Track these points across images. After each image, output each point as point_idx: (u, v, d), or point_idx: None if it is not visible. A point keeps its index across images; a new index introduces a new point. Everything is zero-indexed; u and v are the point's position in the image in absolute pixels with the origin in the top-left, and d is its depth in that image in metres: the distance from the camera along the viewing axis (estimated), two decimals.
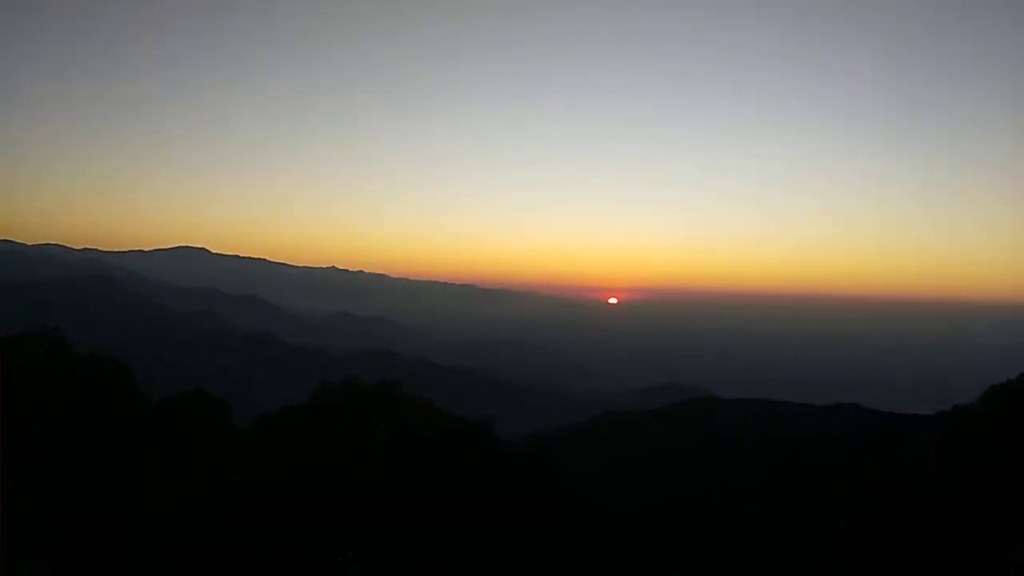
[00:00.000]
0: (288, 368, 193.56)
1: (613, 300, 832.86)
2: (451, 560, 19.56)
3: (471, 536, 21.18)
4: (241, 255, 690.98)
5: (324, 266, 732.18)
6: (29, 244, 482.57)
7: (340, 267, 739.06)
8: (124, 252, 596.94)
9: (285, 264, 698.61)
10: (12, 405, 20.31)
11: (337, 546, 17.71)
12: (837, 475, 46.15)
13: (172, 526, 15.73)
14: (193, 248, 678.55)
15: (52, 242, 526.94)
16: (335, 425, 25.25)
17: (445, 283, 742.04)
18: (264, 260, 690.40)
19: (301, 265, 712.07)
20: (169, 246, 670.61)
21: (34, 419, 19.81)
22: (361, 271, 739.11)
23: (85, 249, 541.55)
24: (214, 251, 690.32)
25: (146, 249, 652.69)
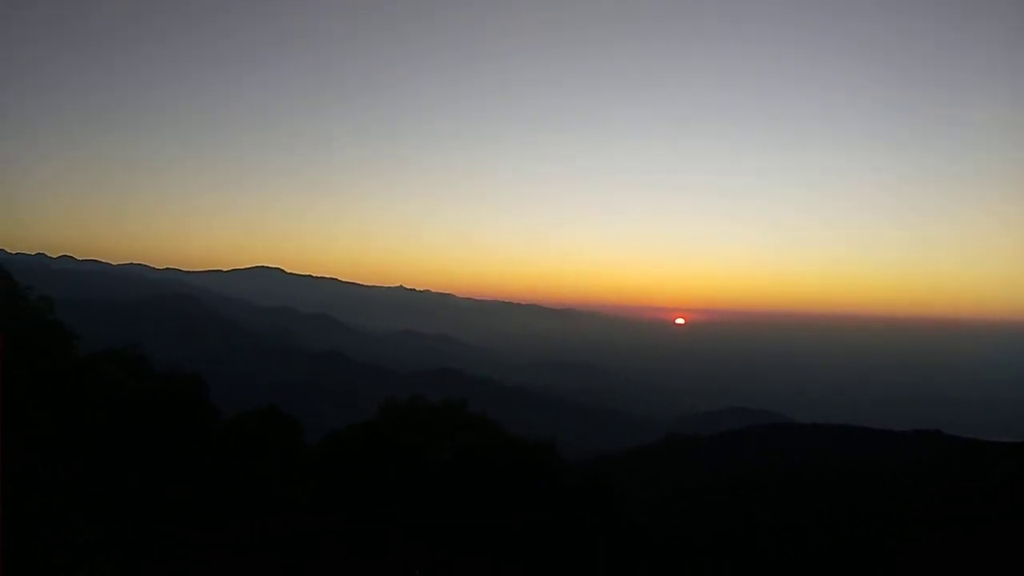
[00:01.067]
0: (356, 384, 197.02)
1: (680, 320, 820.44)
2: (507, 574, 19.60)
3: (528, 554, 21.18)
4: (314, 275, 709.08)
5: (393, 285, 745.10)
6: (114, 264, 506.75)
7: (408, 287, 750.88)
8: (204, 272, 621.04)
9: (355, 283, 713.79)
10: (90, 419, 21.39)
11: (399, 559, 17.98)
12: (920, 504, 44.25)
13: (232, 534, 16.27)
14: (269, 268, 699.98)
15: (136, 262, 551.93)
16: (400, 441, 25.66)
17: (510, 303, 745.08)
18: (335, 280, 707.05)
19: (371, 284, 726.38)
20: (246, 266, 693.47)
21: (109, 432, 20.80)
22: (428, 290, 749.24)
23: (167, 269, 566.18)
24: (289, 271, 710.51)
25: (224, 269, 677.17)
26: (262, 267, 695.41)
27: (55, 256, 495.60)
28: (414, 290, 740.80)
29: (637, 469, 78.36)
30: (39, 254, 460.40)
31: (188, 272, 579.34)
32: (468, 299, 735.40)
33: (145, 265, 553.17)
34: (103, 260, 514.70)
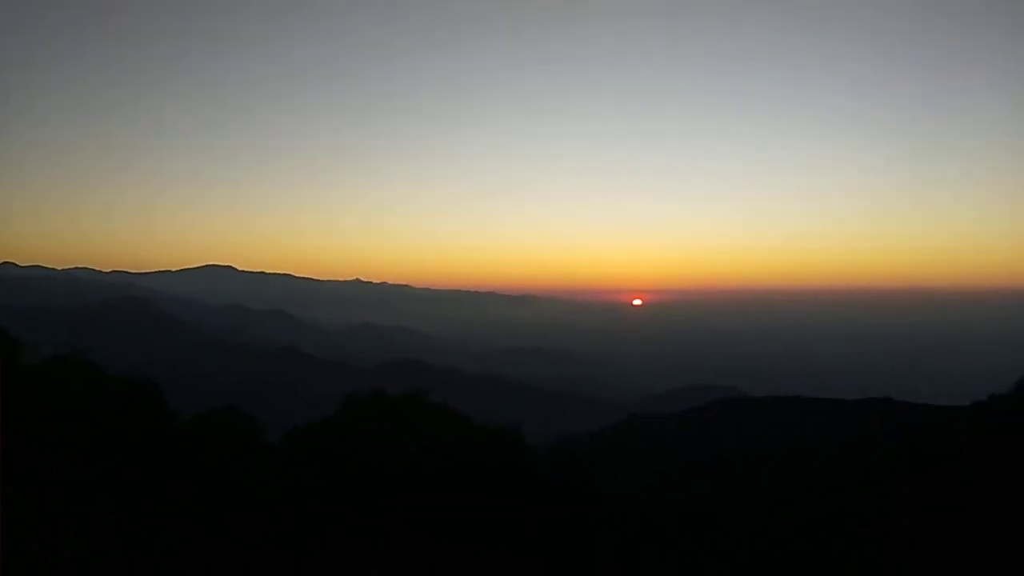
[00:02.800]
0: (315, 380, 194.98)
1: (637, 301, 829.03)
2: (479, 566, 19.52)
3: (499, 541, 21.13)
4: (267, 272, 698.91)
5: (349, 279, 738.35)
6: (58, 269, 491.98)
7: (364, 279, 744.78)
8: (153, 273, 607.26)
9: (310, 278, 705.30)
10: (43, 427, 20.64)
11: (366, 555, 17.77)
12: (876, 472, 45.36)
13: (197, 532, 15.93)
14: (220, 266, 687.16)
15: (82, 266, 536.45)
16: (362, 436, 25.35)
17: (468, 291, 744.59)
18: (290, 275, 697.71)
19: (326, 279, 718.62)
20: (196, 265, 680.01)
21: (62, 440, 20.12)
22: (385, 282, 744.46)
23: (114, 272, 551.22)
24: (240, 268, 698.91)
25: (174, 269, 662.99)
26: (212, 266, 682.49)
27: None
28: (371, 282, 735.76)
29: (601, 451, 79.04)
30: None
31: (137, 274, 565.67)
32: (426, 289, 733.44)
33: (91, 269, 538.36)
34: (47, 265, 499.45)
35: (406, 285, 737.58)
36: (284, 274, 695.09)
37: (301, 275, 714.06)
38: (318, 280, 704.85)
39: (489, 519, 21.66)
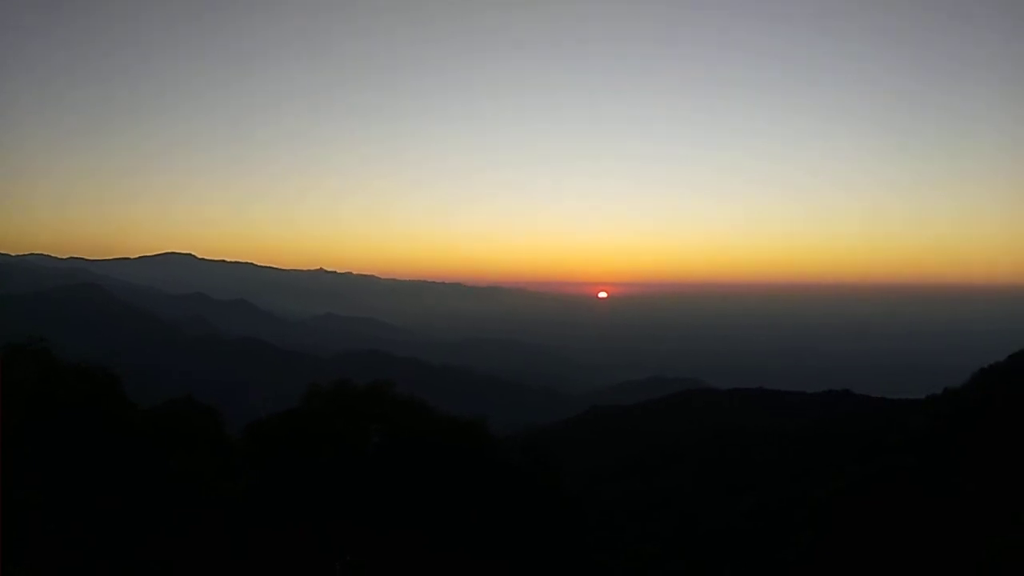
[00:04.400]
0: (278, 371, 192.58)
1: (603, 294, 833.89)
2: (446, 558, 19.50)
3: (465, 533, 21.12)
4: (228, 260, 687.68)
5: (312, 268, 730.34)
6: (12, 255, 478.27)
7: (328, 269, 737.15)
8: (110, 260, 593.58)
9: (273, 267, 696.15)
10: None
11: (332, 549, 17.63)
12: (833, 462, 46.23)
13: (157, 532, 15.63)
14: (180, 254, 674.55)
15: (37, 252, 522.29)
16: (326, 428, 25.11)
17: (433, 282, 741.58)
18: (252, 264, 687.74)
19: (289, 268, 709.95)
20: (156, 252, 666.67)
21: (17, 432, 19.58)
22: (350, 272, 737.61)
23: (71, 258, 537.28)
24: (201, 256, 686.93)
25: (132, 256, 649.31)
26: (172, 253, 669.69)
27: None
28: (335, 272, 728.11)
29: (565, 441, 79.46)
30: None
31: (93, 261, 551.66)
32: (391, 280, 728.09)
33: (46, 255, 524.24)
34: (1, 251, 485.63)
35: (371, 275, 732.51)
36: (246, 263, 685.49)
37: (263, 264, 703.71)
38: (281, 269, 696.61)
39: (453, 509, 21.64)
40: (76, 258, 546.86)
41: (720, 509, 40.47)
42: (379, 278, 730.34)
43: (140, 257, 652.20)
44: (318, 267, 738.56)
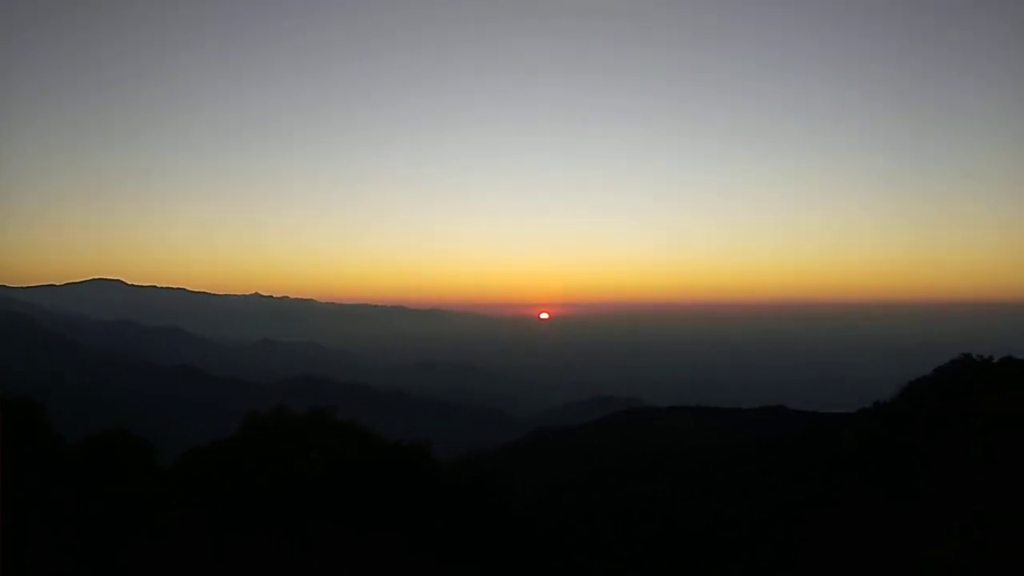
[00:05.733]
0: (214, 400, 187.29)
1: (544, 315, 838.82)
2: None
3: (411, 561, 20.80)
4: (159, 285, 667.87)
5: (248, 293, 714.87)
6: None
7: (265, 293, 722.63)
8: (34, 287, 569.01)
9: (206, 292, 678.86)
10: None
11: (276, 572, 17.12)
12: (768, 478, 47.22)
13: (89, 568, 14.94)
14: (108, 280, 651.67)
15: None
16: (265, 457, 24.48)
17: (374, 305, 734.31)
18: (184, 289, 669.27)
19: (223, 293, 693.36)
20: (82, 279, 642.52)
21: None
22: (287, 296, 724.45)
23: None
24: (130, 282, 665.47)
25: (58, 283, 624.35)
26: (100, 279, 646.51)
27: None
28: (271, 297, 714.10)
29: (511, 464, 79.27)
30: None
31: (15, 288, 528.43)
32: (330, 304, 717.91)
33: None
34: None
35: (309, 299, 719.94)
36: (178, 288, 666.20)
37: (196, 289, 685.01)
38: (215, 294, 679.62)
39: (397, 534, 21.30)
40: None
41: (661, 526, 40.81)
42: (318, 302, 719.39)
43: (67, 283, 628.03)
44: (253, 291, 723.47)
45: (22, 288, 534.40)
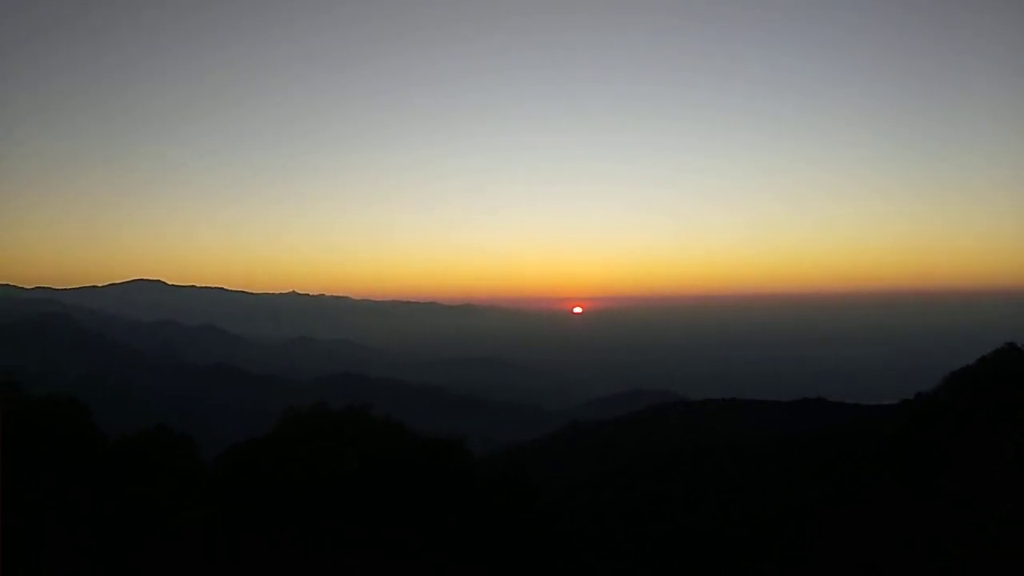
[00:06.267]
0: (252, 397, 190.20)
1: (578, 309, 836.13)
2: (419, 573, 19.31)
3: (446, 556, 20.95)
4: (198, 285, 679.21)
5: (285, 291, 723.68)
6: None
7: (301, 292, 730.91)
8: (78, 289, 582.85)
9: (244, 291, 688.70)
10: None
11: (306, 572, 17.37)
12: (806, 472, 46.58)
13: (103, 568, 15.29)
14: (149, 281, 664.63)
15: (2, 282, 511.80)
16: (303, 453, 24.81)
17: (408, 302, 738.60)
18: (222, 289, 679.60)
19: (261, 292, 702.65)
20: (124, 280, 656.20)
21: None
22: (323, 294, 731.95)
23: (37, 288, 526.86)
24: (170, 283, 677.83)
25: (100, 285, 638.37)
26: (141, 280, 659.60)
27: None
28: (308, 295, 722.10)
29: (545, 458, 79.33)
30: None
31: (60, 290, 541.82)
32: (365, 301, 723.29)
33: (11, 285, 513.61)
34: None
35: (345, 297, 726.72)
36: (216, 287, 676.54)
37: (234, 288, 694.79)
38: (252, 293, 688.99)
39: (434, 531, 21.45)
40: (43, 287, 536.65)
41: (698, 519, 40.49)
42: (353, 299, 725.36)
43: (108, 285, 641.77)
44: (290, 290, 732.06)
45: (65, 290, 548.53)
